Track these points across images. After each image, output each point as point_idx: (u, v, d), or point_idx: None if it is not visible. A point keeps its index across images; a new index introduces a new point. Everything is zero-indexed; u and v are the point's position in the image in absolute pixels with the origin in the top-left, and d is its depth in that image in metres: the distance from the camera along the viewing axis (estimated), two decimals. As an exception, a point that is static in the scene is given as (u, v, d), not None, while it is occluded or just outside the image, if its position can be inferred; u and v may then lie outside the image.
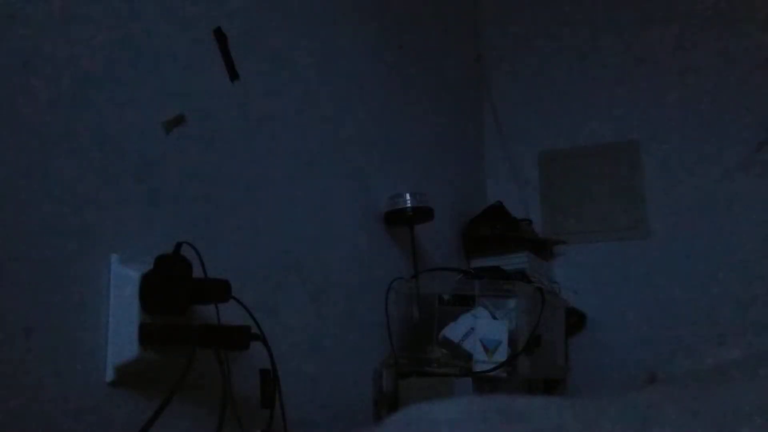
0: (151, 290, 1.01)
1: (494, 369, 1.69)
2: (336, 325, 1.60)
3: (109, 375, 0.99)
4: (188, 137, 1.20)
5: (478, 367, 1.71)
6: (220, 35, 1.30)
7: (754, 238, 2.34)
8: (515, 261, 2.31)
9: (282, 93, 1.50)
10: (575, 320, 2.45)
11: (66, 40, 0.99)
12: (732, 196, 2.39)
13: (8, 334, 0.86)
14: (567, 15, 2.74)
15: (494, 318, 1.79)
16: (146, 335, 1.00)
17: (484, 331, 1.74)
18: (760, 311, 2.26)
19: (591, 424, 0.58)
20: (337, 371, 1.58)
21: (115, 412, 0.99)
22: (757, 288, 2.29)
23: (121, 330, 0.99)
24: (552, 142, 2.68)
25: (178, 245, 1.05)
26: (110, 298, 1.01)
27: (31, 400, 0.88)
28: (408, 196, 1.86)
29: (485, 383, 1.69)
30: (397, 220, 1.88)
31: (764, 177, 2.37)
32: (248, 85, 1.37)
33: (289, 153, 1.50)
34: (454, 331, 1.77)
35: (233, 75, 1.33)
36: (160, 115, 1.15)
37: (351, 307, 1.67)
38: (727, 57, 2.48)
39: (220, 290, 1.06)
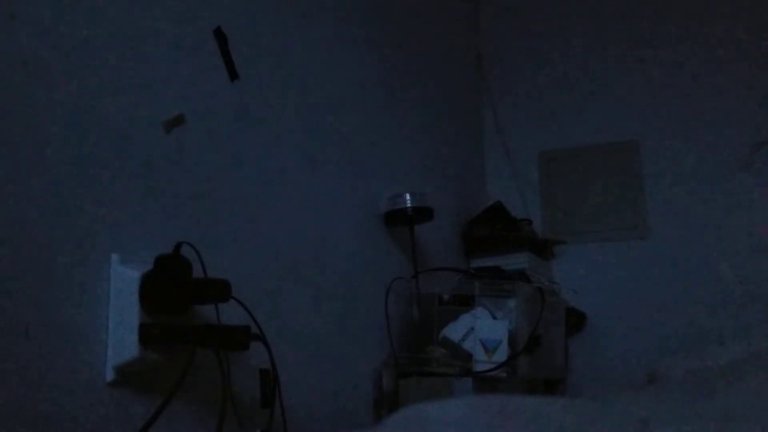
0: (151, 290, 1.01)
1: (494, 369, 1.69)
2: (336, 325, 1.60)
3: (109, 375, 0.99)
4: (188, 137, 1.20)
5: (478, 367, 1.71)
6: (220, 35, 1.30)
7: (753, 238, 2.34)
8: (515, 261, 2.31)
9: (282, 93, 1.50)
10: (575, 320, 2.45)
11: (66, 39, 0.99)
12: (732, 196, 2.39)
13: (8, 333, 0.86)
14: (567, 15, 2.74)
15: (494, 318, 1.79)
16: (146, 335, 1.00)
17: (484, 331, 1.74)
18: (760, 311, 2.26)
19: (591, 424, 0.58)
20: (337, 371, 1.58)
21: (115, 412, 0.99)
22: (757, 288, 2.29)
23: (121, 330, 0.99)
24: (552, 142, 2.68)
25: (178, 245, 1.05)
26: (110, 298, 1.01)
27: (31, 399, 0.88)
28: (408, 196, 1.86)
29: (485, 383, 1.68)
30: (397, 220, 1.88)
31: (764, 177, 2.37)
32: (248, 85, 1.37)
33: (289, 153, 1.50)
34: (454, 331, 1.77)
35: (233, 75, 1.33)
36: (160, 115, 1.15)
37: (351, 307, 1.67)
38: (727, 56, 2.48)
39: (220, 290, 1.06)
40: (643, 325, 2.41)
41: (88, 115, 1.01)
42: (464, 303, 1.83)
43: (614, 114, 2.60)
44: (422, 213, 1.88)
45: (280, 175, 1.46)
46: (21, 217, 0.90)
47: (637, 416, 0.58)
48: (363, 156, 1.83)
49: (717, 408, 0.59)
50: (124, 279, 1.01)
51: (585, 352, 2.46)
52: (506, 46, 2.83)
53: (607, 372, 2.40)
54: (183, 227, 1.16)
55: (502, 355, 1.71)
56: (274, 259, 1.41)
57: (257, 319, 1.17)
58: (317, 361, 1.51)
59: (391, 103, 2.03)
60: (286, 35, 1.53)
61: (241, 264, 1.30)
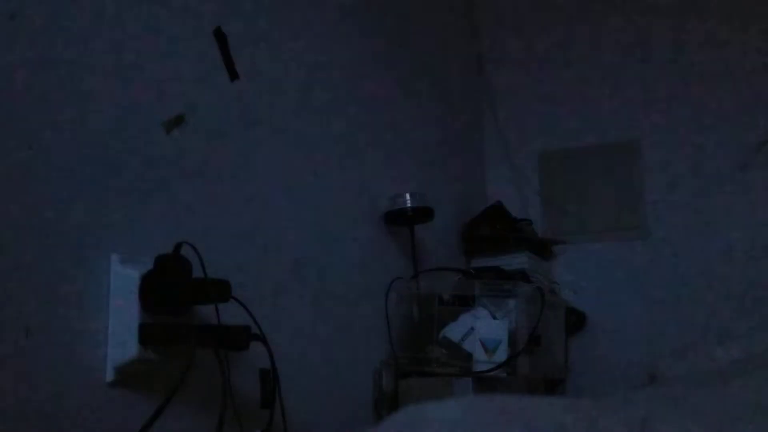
0: (151, 290, 1.01)
1: (494, 369, 1.69)
2: (336, 325, 1.60)
3: (109, 375, 0.99)
4: (188, 137, 1.20)
5: (478, 367, 1.71)
6: (220, 35, 1.30)
7: (753, 238, 2.33)
8: (515, 261, 2.31)
9: (282, 93, 1.50)
10: (575, 320, 2.45)
11: (66, 39, 0.99)
12: (732, 196, 2.39)
13: (8, 333, 0.86)
14: (567, 15, 2.74)
15: (494, 318, 1.79)
16: (146, 335, 1.00)
17: (484, 331, 1.74)
18: (760, 311, 2.26)
19: (591, 424, 0.58)
20: (337, 371, 1.58)
21: (115, 412, 0.99)
22: (757, 288, 2.29)
23: (121, 330, 0.99)
24: (552, 142, 2.67)
25: (178, 245, 1.05)
26: (110, 298, 1.01)
27: (31, 399, 0.88)
28: (408, 196, 1.85)
29: (485, 383, 1.68)
30: (397, 220, 1.88)
31: (764, 177, 2.37)
32: (248, 85, 1.37)
33: (289, 153, 1.50)
34: (454, 331, 1.77)
35: (233, 75, 1.33)
36: (160, 115, 1.15)
37: (351, 307, 1.67)
38: (727, 57, 2.48)
39: (220, 290, 1.06)
40: (643, 325, 2.41)
41: (87, 114, 1.01)
42: (464, 303, 1.83)
43: (614, 114, 2.60)
44: (422, 213, 1.88)
45: (280, 174, 1.46)
46: (21, 218, 0.90)
47: (637, 416, 0.58)
48: (363, 156, 1.83)
49: (717, 407, 0.59)
50: (124, 279, 1.01)
51: (585, 352, 2.46)
52: (506, 46, 2.82)
53: (607, 372, 2.39)
54: (183, 227, 1.16)
55: (502, 355, 1.71)
56: (274, 259, 1.41)
57: (257, 319, 1.17)
58: (317, 361, 1.51)
59: (391, 103, 2.03)
60: (286, 35, 1.53)
61: (241, 264, 1.30)
